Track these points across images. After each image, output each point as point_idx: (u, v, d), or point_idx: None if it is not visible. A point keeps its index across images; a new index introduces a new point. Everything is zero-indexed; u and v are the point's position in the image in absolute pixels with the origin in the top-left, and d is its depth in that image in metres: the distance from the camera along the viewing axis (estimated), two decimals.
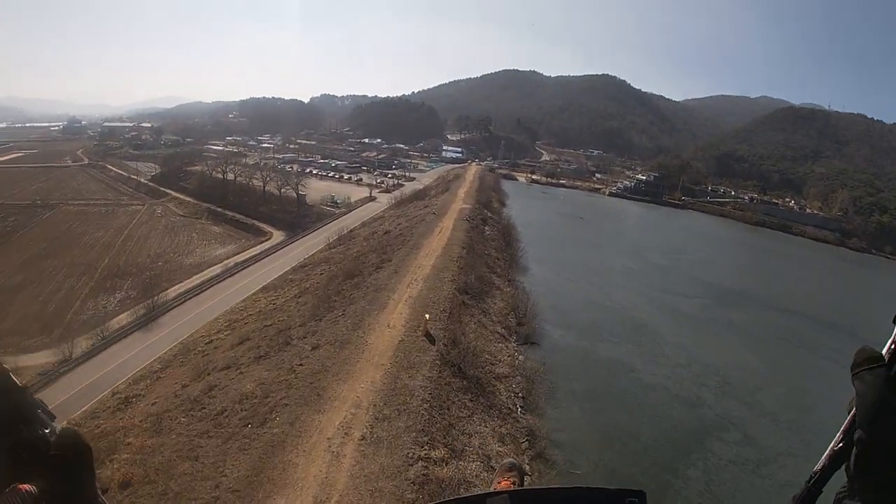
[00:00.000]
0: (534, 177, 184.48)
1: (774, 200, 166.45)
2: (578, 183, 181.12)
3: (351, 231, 75.52)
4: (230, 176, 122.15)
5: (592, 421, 30.87)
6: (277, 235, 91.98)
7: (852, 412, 1.34)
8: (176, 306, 55.58)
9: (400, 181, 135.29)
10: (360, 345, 27.60)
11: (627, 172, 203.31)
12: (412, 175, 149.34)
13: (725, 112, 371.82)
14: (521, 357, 34.93)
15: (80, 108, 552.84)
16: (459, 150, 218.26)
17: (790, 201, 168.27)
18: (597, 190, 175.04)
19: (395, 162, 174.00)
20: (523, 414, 27.76)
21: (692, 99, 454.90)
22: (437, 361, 26.47)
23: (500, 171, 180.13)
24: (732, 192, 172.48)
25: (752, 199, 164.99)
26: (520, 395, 29.35)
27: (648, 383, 37.46)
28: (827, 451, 1.46)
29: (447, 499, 1.78)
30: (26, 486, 1.16)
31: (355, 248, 62.00)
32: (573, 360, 39.08)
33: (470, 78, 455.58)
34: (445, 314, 32.92)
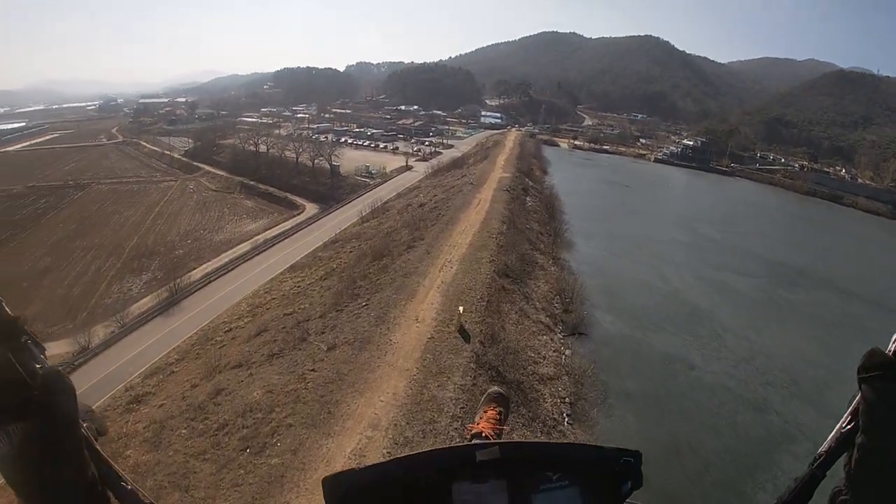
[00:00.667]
0: (576, 142, 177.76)
1: (825, 169, 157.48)
2: (622, 148, 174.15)
3: (385, 203, 72.19)
4: (263, 148, 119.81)
5: (649, 432, 26.77)
6: (310, 208, 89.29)
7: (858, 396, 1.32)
8: (201, 288, 52.95)
9: (437, 149, 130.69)
10: (383, 344, 23.93)
11: (673, 137, 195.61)
12: (450, 142, 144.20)
13: (771, 75, 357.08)
14: (567, 352, 30.72)
15: (118, 86, 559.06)
16: (498, 115, 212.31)
17: (841, 170, 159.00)
18: (642, 156, 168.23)
19: (433, 129, 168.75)
20: (571, 425, 23.90)
21: (737, 61, 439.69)
22: (472, 364, 22.69)
23: (540, 136, 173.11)
24: (782, 160, 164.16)
25: (802, 167, 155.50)
26: (567, 400, 25.34)
27: (709, 383, 33.03)
28: (833, 433, 1.40)
29: (437, 447, 1.65)
30: (8, 426, 1.18)
31: (388, 222, 58.62)
32: (626, 355, 34.81)
33: (508, 41, 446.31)
34: (482, 303, 28.96)
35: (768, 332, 42.28)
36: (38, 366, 1.25)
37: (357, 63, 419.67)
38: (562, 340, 32.30)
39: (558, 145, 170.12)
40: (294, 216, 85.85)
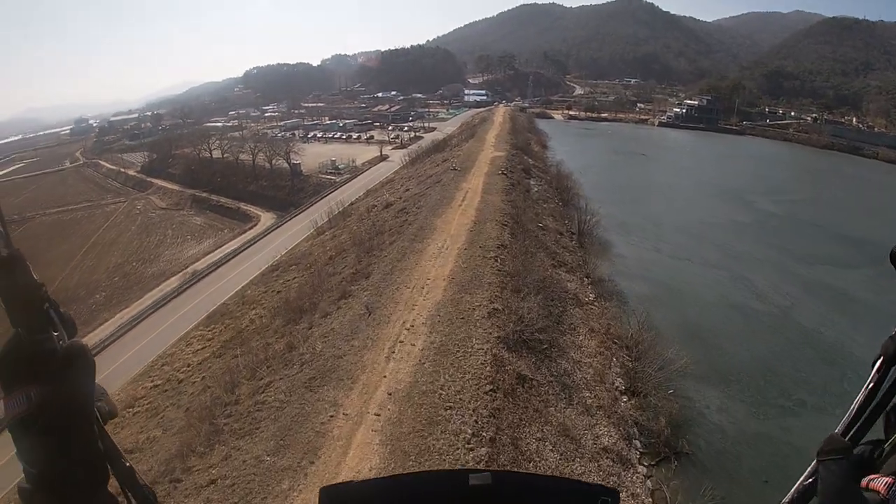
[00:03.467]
0: (571, 112, 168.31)
1: (839, 120, 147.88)
2: (621, 115, 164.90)
3: (351, 205, 57.87)
4: (217, 154, 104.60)
5: None
6: (266, 219, 75.24)
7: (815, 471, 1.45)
8: (97, 353, 37.07)
9: (418, 133, 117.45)
10: None
11: (671, 99, 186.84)
12: (432, 125, 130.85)
13: (760, 29, 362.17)
14: None
15: (98, 107, 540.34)
16: (483, 92, 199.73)
17: (852, 119, 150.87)
18: (644, 121, 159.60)
19: (412, 113, 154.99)
20: None
21: (723, 18, 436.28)
22: None
23: (531, 110, 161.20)
24: (792, 113, 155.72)
25: (815, 119, 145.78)
26: None
27: None
28: (796, 486, 1.50)
29: (431, 469, 1.81)
30: (30, 389, 1.23)
31: (344, 234, 43.05)
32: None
33: (486, 18, 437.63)
34: (480, 449, 12.56)
35: None
36: (57, 334, 1.29)
37: (332, 56, 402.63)
38: (650, 484, 15.80)
39: (552, 117, 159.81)
40: (245, 231, 71.77)
